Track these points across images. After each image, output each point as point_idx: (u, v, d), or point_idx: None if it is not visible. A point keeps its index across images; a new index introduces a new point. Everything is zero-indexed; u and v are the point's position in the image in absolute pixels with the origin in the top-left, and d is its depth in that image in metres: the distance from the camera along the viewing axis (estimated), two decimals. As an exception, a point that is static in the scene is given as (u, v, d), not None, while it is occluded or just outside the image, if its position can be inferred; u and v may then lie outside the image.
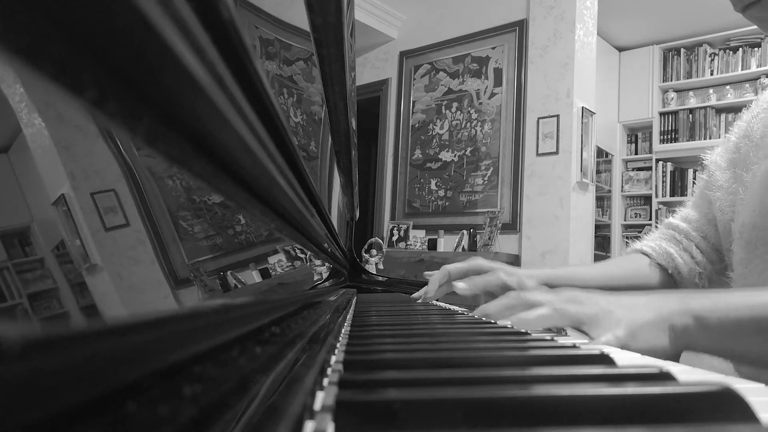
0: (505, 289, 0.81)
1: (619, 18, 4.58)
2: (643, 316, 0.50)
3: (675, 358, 0.51)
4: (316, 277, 0.83)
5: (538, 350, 0.35)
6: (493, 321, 0.57)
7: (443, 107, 4.13)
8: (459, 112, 4.03)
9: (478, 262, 0.88)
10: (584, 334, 0.51)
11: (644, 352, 0.42)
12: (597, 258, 4.02)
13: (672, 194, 4.79)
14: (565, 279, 0.85)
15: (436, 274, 0.91)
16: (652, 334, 0.50)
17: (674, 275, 0.85)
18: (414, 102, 4.32)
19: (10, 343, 0.08)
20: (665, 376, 0.25)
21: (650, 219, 4.87)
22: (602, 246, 4.80)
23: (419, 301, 0.94)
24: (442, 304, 0.92)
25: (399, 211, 4.30)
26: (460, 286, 0.82)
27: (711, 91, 4.78)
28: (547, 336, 0.45)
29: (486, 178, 3.83)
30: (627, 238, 4.84)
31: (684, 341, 0.50)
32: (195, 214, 0.31)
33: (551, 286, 0.83)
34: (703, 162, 0.87)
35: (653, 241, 0.90)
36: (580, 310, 0.51)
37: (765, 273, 0.68)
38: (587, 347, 0.36)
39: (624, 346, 0.47)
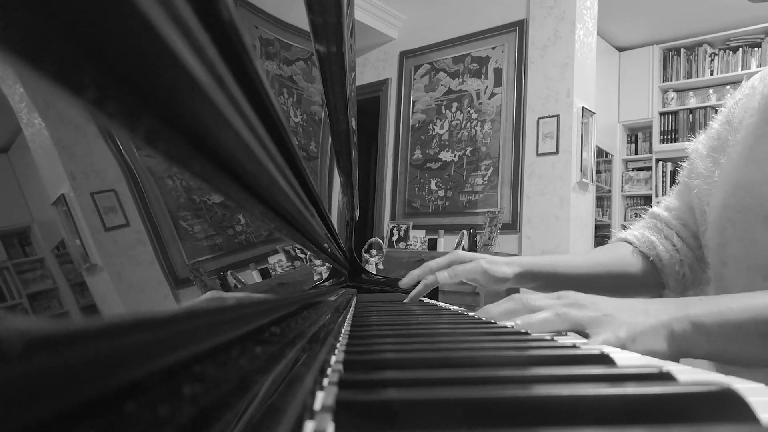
0: (486, 275, 0.83)
1: (619, 18, 4.58)
2: (644, 321, 0.50)
3: None
4: (316, 277, 0.83)
5: (538, 350, 0.35)
6: (493, 321, 0.57)
7: (443, 107, 4.13)
8: (459, 112, 4.03)
9: (458, 254, 0.90)
10: (586, 338, 0.51)
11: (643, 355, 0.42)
12: (597, 258, 4.01)
13: (672, 194, 4.79)
14: (548, 266, 0.86)
15: (416, 270, 0.92)
16: (652, 339, 0.50)
17: (655, 262, 0.87)
18: (414, 102, 4.32)
19: (10, 343, 0.08)
20: (665, 376, 0.25)
21: (650, 219, 4.87)
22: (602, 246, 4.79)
23: (405, 300, 0.95)
24: (442, 304, 0.92)
25: (399, 211, 4.30)
26: (443, 275, 0.86)
27: (711, 91, 4.78)
28: (547, 336, 0.45)
29: (486, 178, 3.83)
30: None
31: (683, 347, 0.50)
32: (195, 214, 0.31)
33: (534, 273, 0.85)
34: (687, 150, 0.88)
35: (637, 230, 0.92)
36: (581, 313, 0.52)
37: (740, 261, 0.67)
38: (587, 347, 0.36)
39: (623, 348, 0.47)
